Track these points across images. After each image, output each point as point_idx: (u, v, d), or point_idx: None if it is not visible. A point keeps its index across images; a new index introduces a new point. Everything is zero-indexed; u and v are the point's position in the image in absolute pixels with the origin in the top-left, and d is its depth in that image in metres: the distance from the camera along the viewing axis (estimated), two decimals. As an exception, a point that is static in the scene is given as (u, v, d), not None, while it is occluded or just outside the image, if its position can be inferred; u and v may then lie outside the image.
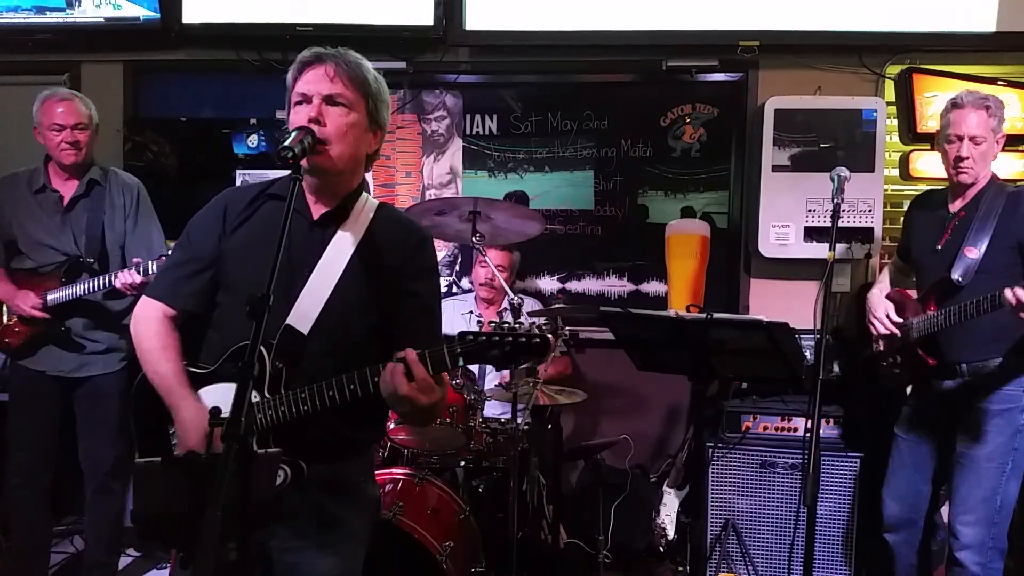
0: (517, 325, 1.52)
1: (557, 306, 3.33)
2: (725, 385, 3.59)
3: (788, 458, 3.31)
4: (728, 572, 3.30)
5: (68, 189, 3.13)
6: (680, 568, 3.49)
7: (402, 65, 3.86)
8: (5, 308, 3.14)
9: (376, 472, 2.28)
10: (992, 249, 2.65)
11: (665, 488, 3.65)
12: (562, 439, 3.55)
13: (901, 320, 2.86)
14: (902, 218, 3.44)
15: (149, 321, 1.83)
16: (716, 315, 2.81)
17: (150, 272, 2.88)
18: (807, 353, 3.36)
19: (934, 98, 3.50)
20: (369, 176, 1.92)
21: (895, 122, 3.66)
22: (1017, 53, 3.65)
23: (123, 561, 3.52)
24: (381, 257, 1.78)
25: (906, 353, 2.84)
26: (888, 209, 3.78)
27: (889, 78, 3.72)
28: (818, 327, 2.96)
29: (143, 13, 3.89)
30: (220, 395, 1.71)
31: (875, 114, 3.59)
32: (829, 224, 2.82)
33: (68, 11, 3.93)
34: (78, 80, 4.11)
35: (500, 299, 3.68)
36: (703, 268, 4.00)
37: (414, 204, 3.86)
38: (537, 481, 3.19)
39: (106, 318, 3.15)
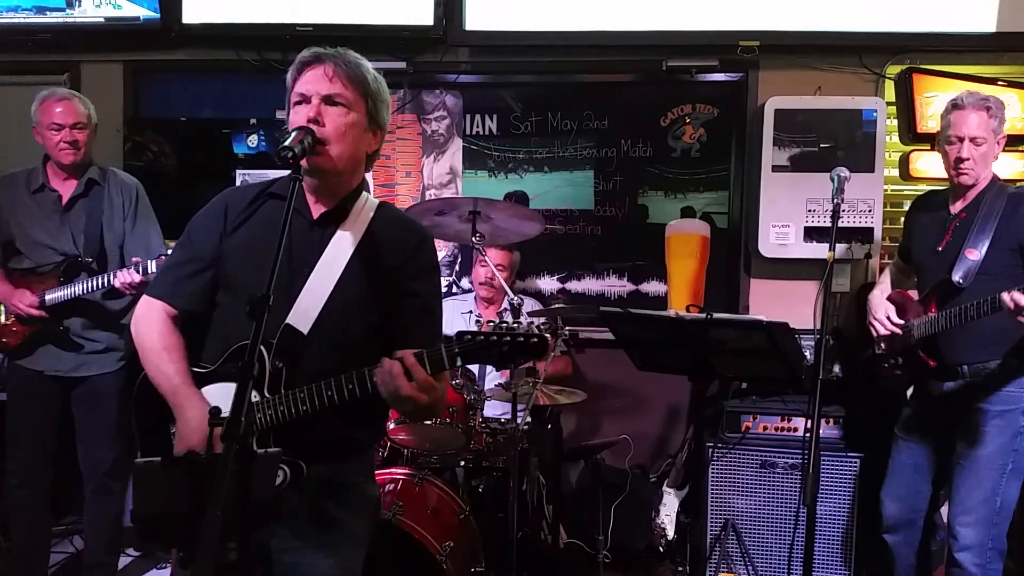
0: (515, 325, 1.52)
1: (557, 306, 3.33)
2: (725, 385, 3.59)
3: (788, 458, 3.31)
4: (728, 572, 3.30)
5: (67, 189, 3.13)
6: (680, 568, 3.49)
7: (402, 65, 3.87)
8: (2, 308, 3.14)
9: (376, 472, 2.28)
10: (993, 251, 2.65)
11: (665, 488, 3.65)
12: (562, 439, 3.55)
13: (902, 322, 2.86)
14: (902, 218, 3.44)
15: (150, 321, 1.83)
16: (716, 315, 2.81)
17: (149, 271, 2.88)
18: (807, 353, 3.36)
19: (934, 98, 3.51)
20: (369, 176, 1.92)
21: (895, 122, 3.66)
22: (1017, 53, 3.65)
23: (123, 561, 3.52)
24: (381, 256, 1.78)
25: (907, 355, 2.85)
26: (888, 209, 3.78)
27: (889, 78, 3.72)
28: (818, 327, 2.96)
29: (143, 13, 3.89)
30: (221, 394, 1.71)
31: (875, 114, 3.59)
32: (829, 224, 2.82)
33: (68, 11, 3.93)
34: (78, 80, 4.11)
35: (500, 299, 3.68)
36: (703, 268, 4.00)
37: (414, 204, 3.86)
38: (537, 481, 3.19)
39: (104, 318, 3.15)
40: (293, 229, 1.60)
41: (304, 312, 1.71)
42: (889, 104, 3.65)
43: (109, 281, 2.94)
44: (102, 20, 3.92)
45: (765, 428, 3.38)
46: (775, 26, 3.67)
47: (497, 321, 1.56)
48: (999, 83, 3.53)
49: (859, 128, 3.60)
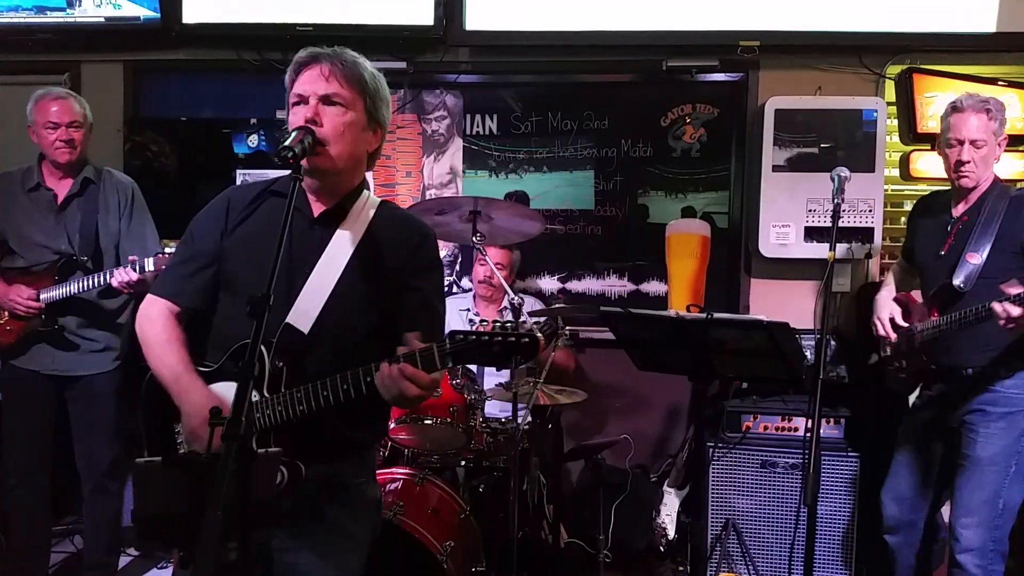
0: (508, 324, 1.52)
1: (557, 306, 3.33)
2: (725, 385, 3.59)
3: (788, 458, 3.31)
4: (728, 572, 3.30)
5: (62, 188, 3.13)
6: (680, 568, 3.49)
7: (402, 65, 3.86)
8: None
9: (377, 472, 2.28)
10: (994, 254, 2.65)
11: (665, 488, 3.65)
12: (562, 439, 3.55)
13: (906, 325, 2.87)
14: (903, 218, 3.44)
15: (153, 317, 1.83)
16: (716, 315, 2.81)
17: (146, 269, 2.88)
18: (807, 353, 3.36)
19: (934, 98, 3.51)
20: (369, 176, 1.92)
21: (895, 122, 3.66)
22: (1017, 53, 3.65)
23: (123, 561, 3.52)
24: (382, 255, 1.78)
25: (911, 357, 2.84)
26: (888, 209, 3.78)
27: (889, 78, 3.72)
28: (818, 327, 2.97)
29: (143, 13, 3.89)
30: (223, 393, 1.71)
31: (875, 114, 3.59)
32: (829, 224, 2.82)
33: (68, 11, 3.93)
34: (78, 80, 4.11)
35: (499, 298, 3.67)
36: (703, 268, 4.00)
37: (414, 204, 3.86)
38: (537, 481, 3.19)
39: (100, 317, 3.14)
40: (293, 228, 1.60)
41: (304, 311, 1.71)
42: (889, 104, 3.65)
43: (105, 280, 2.93)
44: (102, 20, 3.92)
45: (766, 428, 3.38)
46: (775, 26, 3.67)
47: (497, 321, 1.56)
48: (999, 83, 3.53)
49: (859, 128, 3.60)
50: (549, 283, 4.10)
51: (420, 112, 4.10)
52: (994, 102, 2.73)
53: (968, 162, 2.69)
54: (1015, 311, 2.39)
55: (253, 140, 4.07)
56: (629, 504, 3.65)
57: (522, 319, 2.88)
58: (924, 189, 3.54)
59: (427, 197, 4.05)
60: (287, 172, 1.61)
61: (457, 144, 4.10)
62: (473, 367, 3.25)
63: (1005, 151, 2.92)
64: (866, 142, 3.59)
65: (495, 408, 3.38)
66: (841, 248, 3.52)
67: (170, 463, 1.60)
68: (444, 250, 4.06)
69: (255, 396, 1.56)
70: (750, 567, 3.32)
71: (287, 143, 1.59)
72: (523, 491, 2.99)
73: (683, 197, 4.01)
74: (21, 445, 3.16)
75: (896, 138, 3.70)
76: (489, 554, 2.91)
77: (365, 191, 1.85)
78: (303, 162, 1.62)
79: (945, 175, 2.85)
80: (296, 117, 1.70)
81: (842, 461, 3.28)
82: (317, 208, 1.79)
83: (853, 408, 3.33)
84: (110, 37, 3.99)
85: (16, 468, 3.17)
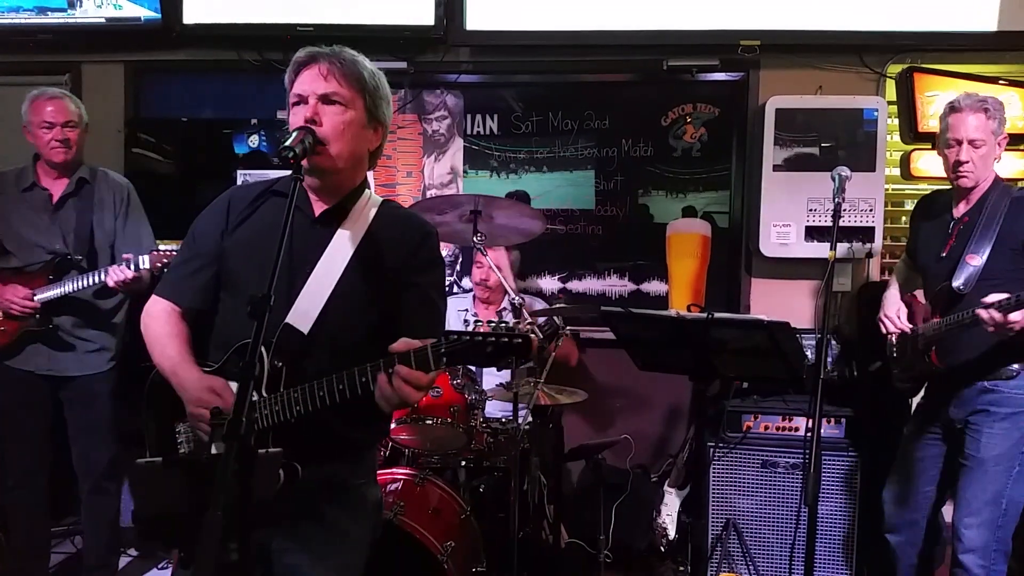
0: (502, 325, 1.52)
1: (558, 306, 3.33)
2: (726, 385, 3.59)
3: (789, 458, 3.31)
4: (729, 572, 3.30)
5: (57, 188, 3.13)
6: (681, 568, 3.49)
7: (403, 65, 3.86)
8: None
9: (377, 472, 2.28)
10: (995, 254, 2.64)
11: (666, 488, 3.65)
12: (563, 439, 3.55)
13: (910, 326, 2.87)
14: (904, 218, 3.44)
15: (155, 315, 1.84)
16: (717, 315, 2.80)
17: (141, 267, 2.88)
18: (808, 353, 3.36)
19: (935, 97, 3.50)
20: (370, 176, 1.92)
21: (896, 121, 3.66)
22: (1018, 52, 3.65)
23: (123, 561, 3.52)
24: (383, 254, 1.77)
25: (916, 358, 2.84)
26: (889, 208, 3.78)
27: (890, 77, 3.72)
28: (819, 327, 2.96)
29: (144, 13, 3.89)
30: (232, 385, 1.71)
31: (876, 113, 3.59)
32: (830, 224, 2.82)
33: (69, 11, 3.93)
34: (79, 81, 4.11)
35: (497, 299, 3.68)
36: (704, 268, 4.00)
37: (414, 203, 3.86)
38: (538, 481, 3.19)
39: (95, 317, 3.14)
40: (294, 227, 1.59)
41: (304, 312, 1.71)
42: (890, 103, 3.65)
43: (101, 278, 2.92)
44: (103, 20, 3.92)
45: (766, 428, 3.38)
46: (776, 25, 3.67)
47: (492, 321, 1.55)
48: (1000, 82, 3.53)
49: (860, 127, 3.60)
50: (550, 283, 4.10)
51: (421, 112, 4.10)
52: (992, 101, 2.72)
53: (967, 162, 2.69)
54: (999, 316, 2.42)
55: (254, 140, 4.07)
56: (630, 504, 3.65)
57: (523, 319, 2.88)
58: (925, 188, 3.53)
59: (428, 197, 4.05)
60: (288, 172, 1.61)
61: (458, 144, 4.10)
62: (473, 367, 3.25)
63: (1006, 150, 2.92)
64: (867, 141, 3.59)
65: (495, 408, 3.38)
66: (842, 248, 3.52)
67: (171, 463, 1.60)
68: (445, 251, 4.06)
69: (253, 396, 1.56)
70: (751, 567, 3.32)
71: (288, 143, 1.60)
72: (524, 491, 2.99)
73: (684, 197, 4.01)
74: (18, 446, 3.16)
75: (897, 137, 3.70)
76: (490, 554, 2.91)
77: (367, 190, 1.85)
78: (304, 162, 1.62)
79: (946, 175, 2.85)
80: (296, 117, 1.70)
81: (843, 461, 3.28)
82: (318, 207, 1.79)
83: (854, 408, 3.33)
84: (111, 38, 3.99)
85: (14, 469, 3.17)
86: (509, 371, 3.06)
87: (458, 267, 4.13)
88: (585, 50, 3.89)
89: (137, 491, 1.56)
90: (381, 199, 1.88)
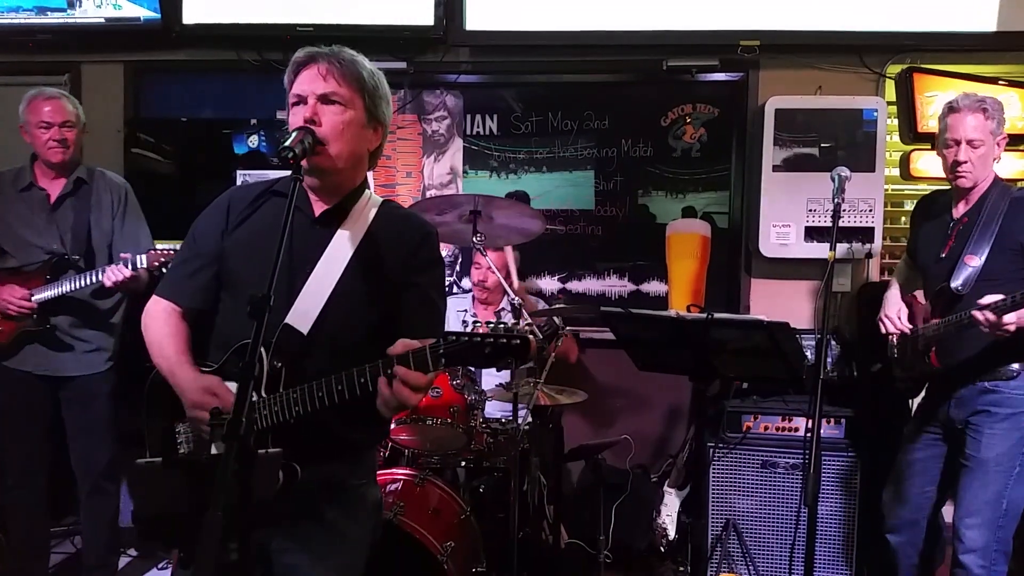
0: (500, 326, 1.51)
1: (558, 306, 3.33)
2: (726, 385, 3.59)
3: (789, 458, 3.31)
4: (729, 572, 3.30)
5: (55, 188, 3.13)
6: (681, 568, 3.49)
7: (402, 65, 3.87)
8: None
9: (377, 473, 2.28)
10: (995, 255, 2.64)
11: (666, 488, 3.65)
12: (563, 439, 3.55)
13: (910, 326, 2.87)
14: (904, 218, 3.44)
15: (155, 315, 1.84)
16: (717, 315, 2.81)
17: (138, 266, 2.88)
18: (807, 353, 3.36)
19: (935, 98, 3.50)
20: (370, 176, 1.92)
21: (896, 122, 3.66)
22: (1018, 52, 3.65)
23: (123, 561, 3.52)
24: (383, 255, 1.77)
25: (916, 358, 2.84)
26: (889, 209, 3.78)
27: (890, 78, 3.72)
28: (818, 327, 2.96)
29: (144, 13, 3.89)
30: (229, 385, 1.71)
31: (876, 114, 3.59)
32: (830, 224, 2.82)
33: (69, 11, 3.93)
34: (78, 81, 4.11)
35: (495, 300, 3.68)
36: (704, 268, 4.00)
37: (414, 203, 3.86)
38: (538, 481, 3.19)
39: (93, 317, 3.14)
40: (294, 228, 1.59)
41: (304, 312, 1.71)
42: (890, 104, 3.65)
43: (98, 278, 2.92)
44: (103, 20, 3.92)
45: (766, 428, 3.38)
46: (775, 26, 3.67)
47: (490, 322, 1.55)
48: (1000, 82, 3.53)
49: (860, 128, 3.60)
50: (549, 283, 4.10)
51: (420, 112, 4.10)
52: (991, 101, 2.72)
53: (965, 162, 2.69)
54: (993, 318, 2.43)
55: (253, 140, 4.07)
56: (630, 504, 3.65)
57: (523, 319, 2.88)
58: (924, 189, 3.53)
59: (427, 197, 4.05)
60: (288, 172, 1.61)
61: (457, 144, 4.10)
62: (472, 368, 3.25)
63: (1006, 150, 2.92)
64: (866, 142, 3.59)
65: (495, 408, 3.38)
66: (841, 248, 3.52)
67: (171, 463, 1.60)
68: (444, 251, 4.06)
69: (253, 396, 1.56)
70: (750, 567, 3.32)
71: (287, 143, 1.60)
72: (523, 491, 2.99)
73: (683, 197, 4.01)
74: (17, 446, 3.16)
75: (896, 138, 3.70)
76: (489, 554, 2.91)
77: (367, 190, 1.85)
78: (303, 162, 1.62)
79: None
80: (296, 117, 1.70)
81: (842, 461, 3.28)
82: (318, 208, 1.79)
83: (853, 408, 3.33)
84: (110, 38, 3.99)
85: (13, 469, 3.17)
86: (509, 371, 3.06)
87: (458, 267, 4.13)
88: (585, 50, 3.89)
89: (136, 491, 1.56)
90: (382, 199, 1.87)
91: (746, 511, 3.35)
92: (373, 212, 1.82)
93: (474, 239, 3.06)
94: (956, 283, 2.66)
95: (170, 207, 3.70)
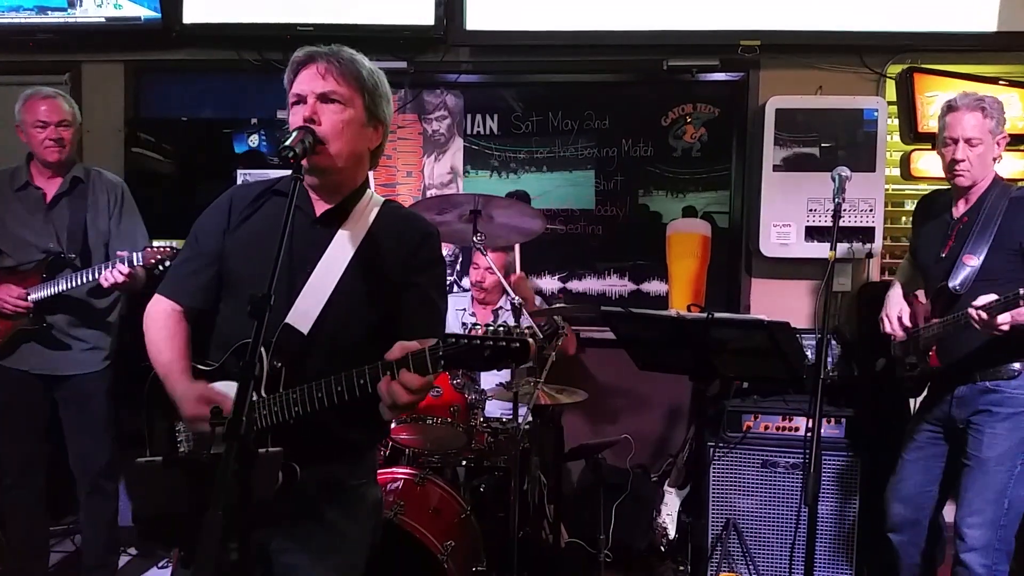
0: (500, 328, 1.51)
1: (558, 305, 3.33)
2: (726, 385, 3.59)
3: (789, 457, 3.31)
4: (729, 572, 3.30)
5: (51, 187, 3.13)
6: (681, 568, 3.48)
7: (403, 65, 3.87)
8: None
9: (377, 472, 2.28)
10: (994, 254, 2.64)
11: (666, 488, 3.65)
12: (563, 439, 3.55)
13: (911, 326, 2.87)
14: (904, 218, 3.43)
15: (155, 315, 1.84)
16: (717, 315, 2.81)
17: (135, 264, 2.87)
18: (808, 353, 3.36)
19: (935, 98, 3.50)
20: (370, 175, 1.91)
21: (896, 122, 3.66)
22: (1018, 52, 3.65)
23: (123, 561, 3.52)
24: (384, 254, 1.77)
25: (918, 358, 2.84)
26: (889, 209, 3.78)
27: (890, 78, 3.72)
28: (819, 327, 2.96)
29: (144, 13, 3.89)
30: (220, 389, 1.71)
31: (876, 114, 3.59)
32: (830, 224, 2.82)
33: (69, 11, 3.93)
34: (79, 80, 4.11)
35: (493, 299, 3.68)
36: (704, 268, 4.00)
37: (414, 203, 3.85)
38: (538, 481, 3.19)
39: (89, 316, 3.14)
40: (295, 227, 1.59)
41: (304, 312, 1.71)
42: (890, 103, 3.65)
43: (94, 276, 2.92)
44: (103, 20, 3.93)
45: (766, 427, 3.38)
46: (776, 25, 3.67)
47: (490, 325, 1.55)
48: (1000, 82, 3.53)
49: (860, 127, 3.60)
50: (550, 283, 4.10)
51: (421, 112, 4.10)
52: (990, 100, 2.71)
53: (963, 160, 2.68)
54: (987, 318, 2.44)
55: (254, 140, 4.07)
56: (630, 504, 3.65)
57: (523, 320, 2.88)
58: (925, 189, 3.53)
59: (428, 197, 4.05)
60: (289, 172, 1.61)
61: (458, 144, 4.10)
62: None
63: (1006, 150, 2.91)
64: (867, 141, 3.59)
65: (495, 408, 3.38)
66: (842, 248, 3.52)
67: (170, 463, 1.60)
68: (445, 251, 4.05)
69: (252, 396, 1.56)
70: (751, 567, 3.32)
71: (287, 143, 1.59)
72: (524, 491, 2.99)
73: (684, 197, 4.01)
74: (15, 445, 3.15)
75: (897, 137, 3.70)
76: (490, 554, 2.91)
77: (368, 190, 1.84)
78: (304, 161, 1.61)
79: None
80: (296, 117, 1.70)
81: (843, 461, 3.28)
82: (319, 207, 1.78)
83: (854, 408, 3.33)
84: (111, 37, 3.99)
85: (11, 468, 3.17)
86: (509, 371, 3.06)
87: (458, 267, 4.13)
88: (585, 50, 3.89)
89: (135, 491, 1.56)
90: (383, 199, 1.87)
91: (746, 511, 3.35)
92: (374, 212, 1.82)
93: (474, 239, 3.06)
94: (954, 282, 2.66)
95: (170, 207, 3.71)
